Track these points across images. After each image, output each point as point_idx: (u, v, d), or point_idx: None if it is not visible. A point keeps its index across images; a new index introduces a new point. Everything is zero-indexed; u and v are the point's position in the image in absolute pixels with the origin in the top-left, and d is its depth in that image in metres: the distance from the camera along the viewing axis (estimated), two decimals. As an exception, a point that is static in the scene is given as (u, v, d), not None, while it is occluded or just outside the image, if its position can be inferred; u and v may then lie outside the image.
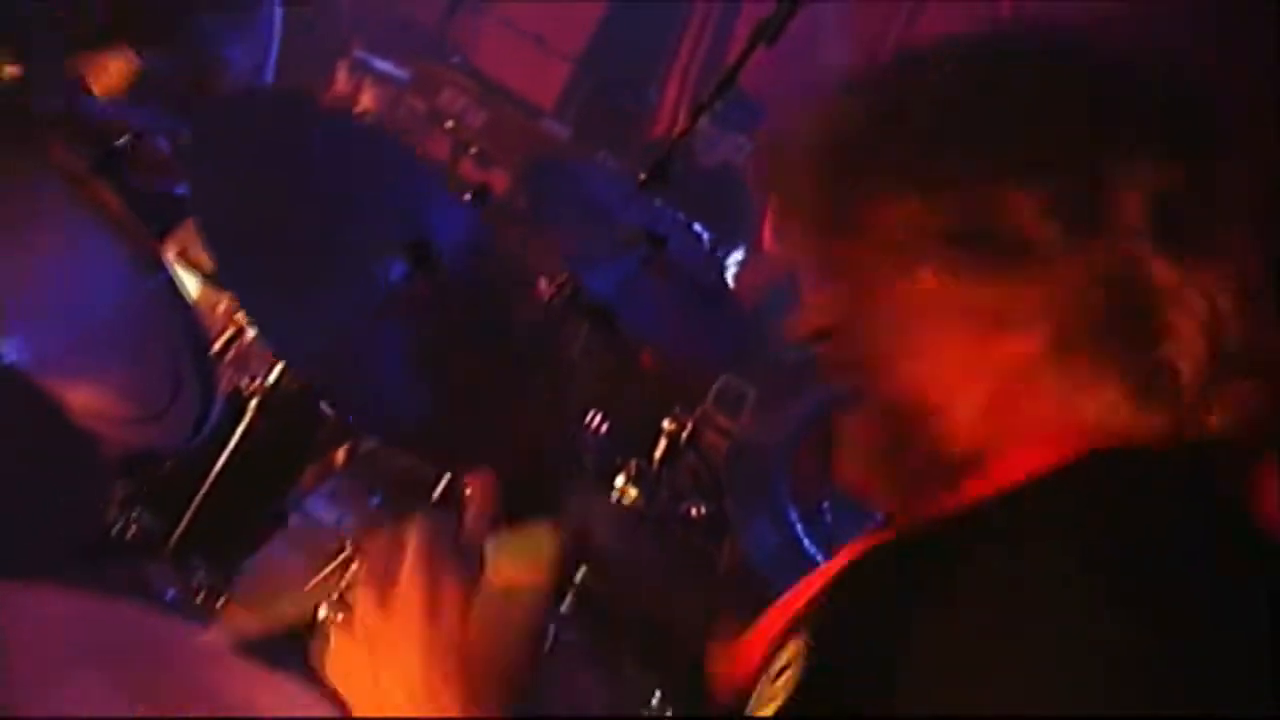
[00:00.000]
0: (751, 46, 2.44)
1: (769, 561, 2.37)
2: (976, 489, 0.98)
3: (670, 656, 2.03)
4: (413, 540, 0.99)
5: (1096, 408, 0.93)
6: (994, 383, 0.97)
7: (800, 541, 2.35)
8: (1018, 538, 0.92)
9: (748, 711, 1.07)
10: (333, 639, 1.01)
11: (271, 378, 1.93)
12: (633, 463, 2.34)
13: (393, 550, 0.99)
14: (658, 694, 2.01)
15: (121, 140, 1.77)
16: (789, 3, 2.37)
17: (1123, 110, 0.96)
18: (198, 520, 1.88)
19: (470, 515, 1.05)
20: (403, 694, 0.95)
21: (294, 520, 2.72)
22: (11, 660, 1.17)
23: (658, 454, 2.46)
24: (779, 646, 1.08)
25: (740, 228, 4.47)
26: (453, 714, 0.93)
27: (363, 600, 0.99)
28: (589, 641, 2.05)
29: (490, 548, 1.03)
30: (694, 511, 2.51)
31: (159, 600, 1.66)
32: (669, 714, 1.97)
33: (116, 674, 1.28)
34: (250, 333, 2.11)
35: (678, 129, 2.90)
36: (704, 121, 3.89)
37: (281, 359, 1.91)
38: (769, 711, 1.04)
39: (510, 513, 2.20)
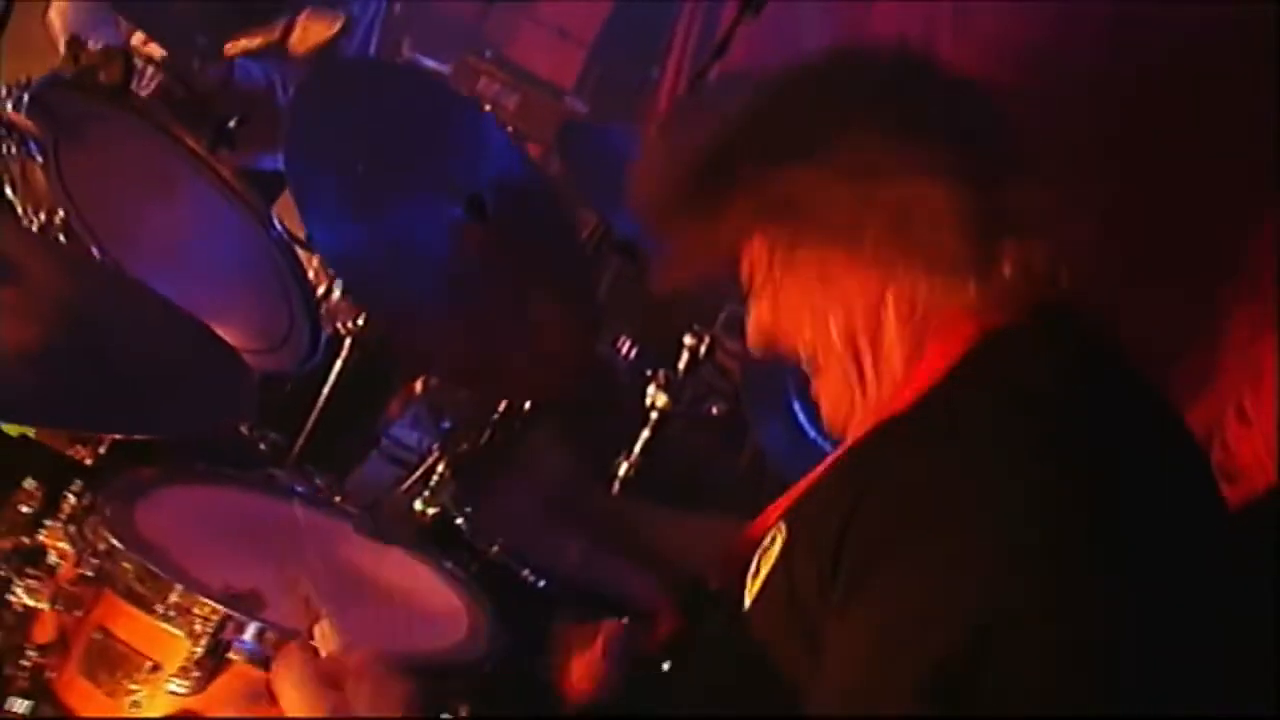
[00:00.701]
0: (738, 19, 2.45)
1: (782, 455, 2.42)
2: (911, 390, 1.05)
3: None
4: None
5: (970, 305, 1.02)
6: (894, 315, 1.07)
7: (808, 435, 2.40)
8: (941, 419, 0.98)
9: (746, 594, 1.08)
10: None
11: (360, 322, 1.96)
12: (661, 372, 2.37)
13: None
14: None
15: (232, 121, 1.81)
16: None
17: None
18: (312, 438, 1.93)
19: None
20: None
21: (385, 442, 2.82)
22: (177, 541, 1.20)
23: (681, 365, 2.48)
24: (768, 538, 1.10)
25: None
26: None
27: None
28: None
29: None
30: (714, 410, 2.53)
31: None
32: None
33: (267, 547, 1.33)
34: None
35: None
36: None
37: (358, 300, 1.91)
38: (755, 587, 1.06)
39: (550, 427, 2.24)
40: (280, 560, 1.29)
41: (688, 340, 2.53)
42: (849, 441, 1.13)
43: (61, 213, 1.42)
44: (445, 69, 4.74)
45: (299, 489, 1.56)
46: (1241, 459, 1.80)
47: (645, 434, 2.30)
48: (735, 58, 2.74)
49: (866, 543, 0.90)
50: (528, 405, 2.26)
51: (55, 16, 2.44)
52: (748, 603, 1.05)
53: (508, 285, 2.01)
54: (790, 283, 1.13)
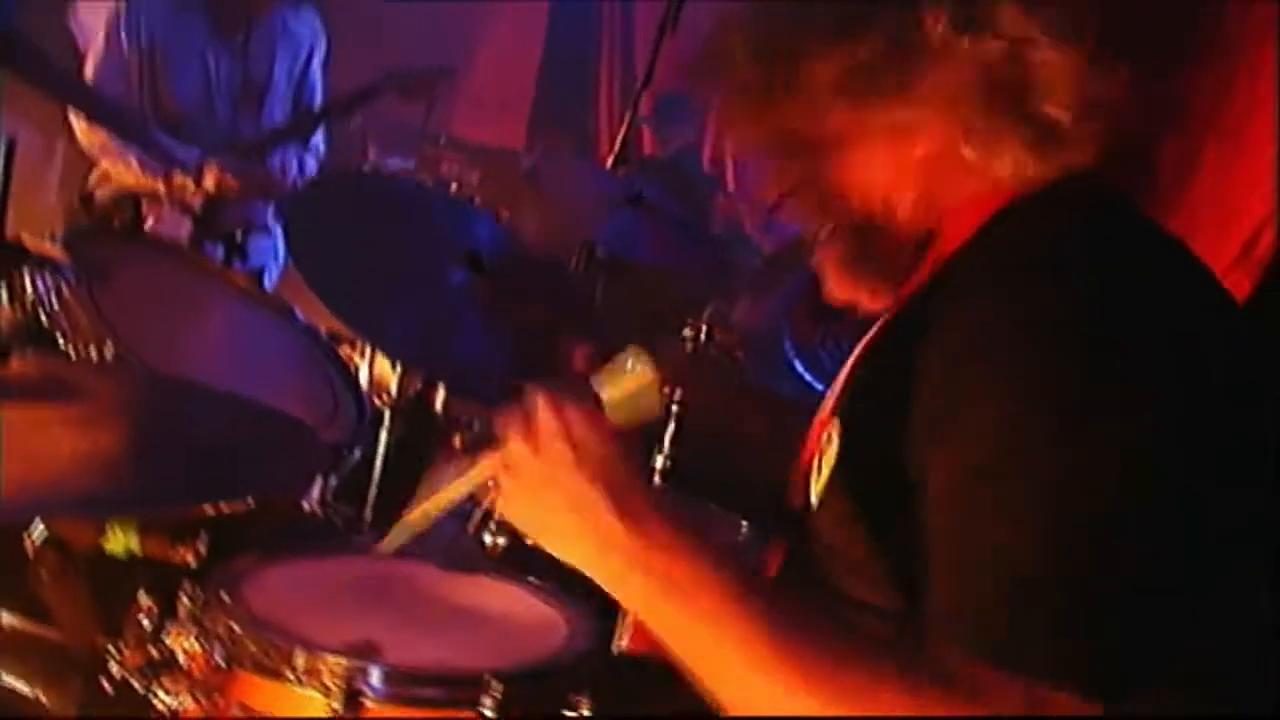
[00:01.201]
0: (660, 41, 2.37)
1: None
2: (934, 259, 0.98)
3: (744, 489, 1.99)
4: (537, 397, 0.92)
5: (1007, 166, 0.92)
6: (918, 179, 0.97)
7: (815, 389, 2.37)
8: (973, 277, 0.90)
9: (812, 497, 1.01)
10: (502, 487, 0.94)
11: (394, 391, 1.95)
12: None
13: (525, 411, 0.92)
14: (744, 525, 2.02)
15: (238, 234, 1.79)
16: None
17: None
18: (378, 505, 1.91)
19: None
20: (565, 507, 0.89)
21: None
22: (288, 612, 1.17)
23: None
24: (824, 439, 1.02)
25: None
26: (606, 513, 0.86)
27: (513, 448, 0.91)
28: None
29: (594, 382, 0.95)
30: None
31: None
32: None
33: (367, 600, 1.31)
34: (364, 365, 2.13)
35: (622, 129, 2.82)
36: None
37: (393, 359, 1.92)
38: (819, 487, 1.00)
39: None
40: (380, 607, 1.30)
41: (686, 333, 2.52)
42: (881, 319, 1.05)
43: (110, 345, 1.40)
44: (410, 164, 4.76)
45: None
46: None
47: (671, 427, 2.28)
48: (662, 80, 2.73)
49: (949, 384, 0.84)
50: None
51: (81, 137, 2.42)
52: (814, 503, 0.99)
53: (525, 325, 2.00)
54: (834, 131, 1.01)
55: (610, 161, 2.47)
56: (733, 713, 0.85)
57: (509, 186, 4.42)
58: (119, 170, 2.34)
